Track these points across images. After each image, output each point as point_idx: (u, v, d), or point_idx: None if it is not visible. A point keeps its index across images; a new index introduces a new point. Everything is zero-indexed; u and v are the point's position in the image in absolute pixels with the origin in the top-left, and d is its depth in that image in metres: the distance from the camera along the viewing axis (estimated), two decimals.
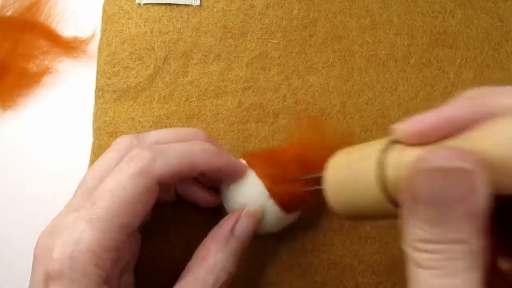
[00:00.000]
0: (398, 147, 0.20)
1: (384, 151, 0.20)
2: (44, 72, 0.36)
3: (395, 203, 0.20)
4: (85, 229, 0.24)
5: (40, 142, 0.36)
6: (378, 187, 0.20)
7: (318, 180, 0.24)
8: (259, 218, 0.29)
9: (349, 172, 0.22)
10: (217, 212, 0.31)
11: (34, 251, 0.26)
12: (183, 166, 0.26)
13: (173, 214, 0.33)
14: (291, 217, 0.30)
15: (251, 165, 0.29)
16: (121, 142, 0.28)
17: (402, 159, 0.19)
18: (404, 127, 0.19)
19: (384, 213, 0.20)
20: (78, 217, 0.25)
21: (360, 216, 0.22)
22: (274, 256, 0.33)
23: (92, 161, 0.35)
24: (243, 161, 0.30)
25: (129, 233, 0.25)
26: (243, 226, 0.28)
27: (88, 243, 0.24)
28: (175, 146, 0.27)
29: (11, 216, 0.35)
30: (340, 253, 0.33)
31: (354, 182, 0.21)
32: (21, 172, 0.36)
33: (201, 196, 0.31)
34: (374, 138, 0.34)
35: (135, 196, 0.25)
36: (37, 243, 0.26)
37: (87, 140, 0.35)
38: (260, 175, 0.29)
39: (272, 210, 0.29)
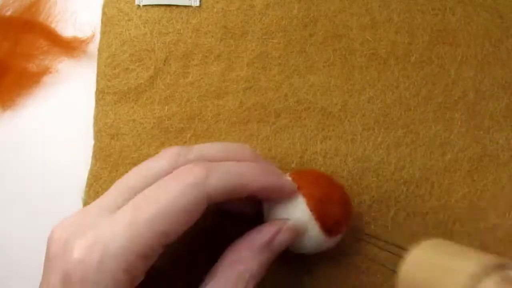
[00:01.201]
0: (496, 279, 0.16)
1: (476, 278, 0.16)
2: (44, 72, 0.36)
3: None
4: (121, 232, 0.22)
5: (40, 143, 0.36)
6: None
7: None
8: (298, 236, 0.28)
9: (429, 282, 0.19)
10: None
11: (49, 247, 0.24)
12: (235, 186, 0.25)
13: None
14: (331, 242, 0.29)
15: (297, 183, 0.29)
16: (171, 151, 0.27)
17: None
18: None
19: None
20: (113, 218, 0.23)
21: None
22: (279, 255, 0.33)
23: (93, 164, 0.35)
24: (288, 178, 0.29)
25: (166, 245, 0.24)
26: (283, 239, 0.27)
27: (122, 247, 0.22)
28: (228, 165, 0.26)
29: (11, 217, 0.35)
30: (344, 252, 0.33)
31: None
32: (20, 174, 0.36)
33: (238, 206, 0.30)
34: (376, 137, 0.34)
35: (183, 207, 0.24)
36: (51, 238, 0.24)
37: (87, 141, 0.35)
38: (306, 195, 0.28)
39: (313, 232, 0.28)
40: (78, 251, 0.22)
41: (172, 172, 0.26)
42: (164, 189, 0.24)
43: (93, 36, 0.36)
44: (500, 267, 0.16)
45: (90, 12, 0.37)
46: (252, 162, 0.28)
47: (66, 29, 0.37)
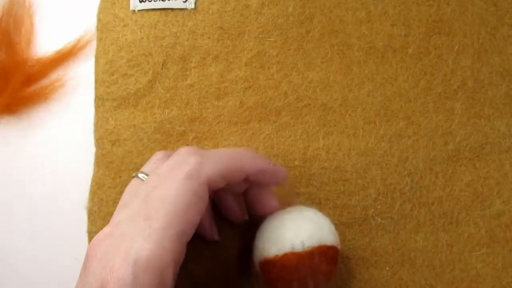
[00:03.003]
0: None
1: None
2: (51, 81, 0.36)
3: None
4: (144, 246, 0.23)
5: (41, 151, 0.36)
6: None
7: None
8: None
9: None
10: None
11: (87, 256, 0.24)
12: (231, 167, 0.26)
13: None
14: None
15: None
16: (185, 151, 0.27)
17: None
18: None
19: None
20: (136, 232, 0.24)
21: None
22: None
23: (96, 171, 0.34)
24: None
25: (186, 242, 0.24)
26: None
27: (149, 260, 0.22)
28: (221, 150, 0.28)
29: (14, 224, 0.35)
30: (352, 246, 0.33)
31: None
32: (24, 181, 0.36)
33: (231, 205, 0.31)
34: (377, 130, 0.34)
35: (187, 202, 0.24)
36: (91, 247, 0.24)
37: (88, 148, 0.35)
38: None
39: None
40: (113, 268, 0.23)
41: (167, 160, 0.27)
42: (164, 189, 0.25)
43: (90, 42, 0.36)
44: None
45: (85, 19, 0.36)
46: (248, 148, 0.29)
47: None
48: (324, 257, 0.28)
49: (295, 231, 0.28)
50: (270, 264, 0.28)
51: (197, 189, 0.25)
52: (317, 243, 0.28)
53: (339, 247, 0.29)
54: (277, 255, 0.28)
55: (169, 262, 0.23)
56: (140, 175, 0.29)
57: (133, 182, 0.29)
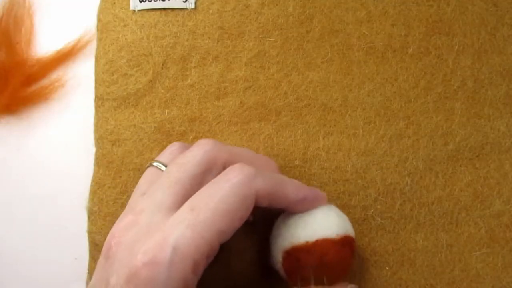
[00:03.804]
0: None
1: None
2: (51, 81, 0.36)
3: None
4: (185, 234, 0.23)
5: (41, 151, 0.36)
6: None
7: None
8: None
9: None
10: None
11: (108, 246, 0.24)
12: (277, 192, 0.26)
13: None
14: None
15: None
16: (205, 142, 0.28)
17: None
18: None
19: None
20: (175, 220, 0.24)
21: None
22: None
23: (96, 171, 0.34)
24: None
25: (221, 243, 0.24)
26: None
27: (188, 249, 0.23)
28: (273, 172, 0.27)
29: (14, 224, 0.35)
30: None
31: None
32: (24, 181, 0.36)
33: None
34: (377, 130, 0.34)
35: (236, 205, 0.24)
36: (112, 235, 0.24)
37: (88, 148, 0.35)
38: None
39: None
40: (145, 254, 0.22)
41: (211, 167, 0.27)
42: (216, 189, 0.25)
43: (90, 42, 0.36)
44: None
45: (85, 19, 0.36)
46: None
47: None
48: (349, 248, 0.29)
49: (325, 219, 0.29)
50: (299, 250, 0.28)
51: (247, 195, 0.25)
52: (345, 233, 0.29)
53: (354, 237, 0.30)
54: (308, 241, 0.28)
55: (204, 255, 0.23)
56: (155, 163, 0.29)
57: (149, 171, 0.29)
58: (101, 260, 0.25)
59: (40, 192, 0.36)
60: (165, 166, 0.29)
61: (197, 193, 0.25)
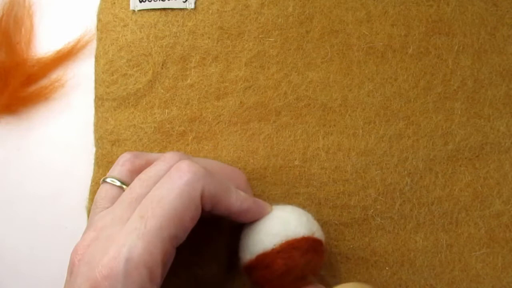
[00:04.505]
0: None
1: None
2: (51, 81, 0.36)
3: None
4: (137, 244, 0.23)
5: (41, 151, 0.36)
6: None
7: None
8: None
9: None
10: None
11: (72, 265, 0.25)
12: (221, 195, 0.26)
13: None
14: None
15: None
16: (170, 156, 0.28)
17: None
18: None
19: None
20: (127, 231, 0.24)
21: None
22: None
23: (95, 171, 0.34)
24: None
25: (176, 246, 0.25)
26: None
27: (141, 258, 0.23)
28: (222, 178, 0.27)
29: (14, 224, 0.35)
30: (351, 246, 0.33)
31: None
32: (24, 181, 0.36)
33: None
34: (377, 130, 0.34)
35: (183, 206, 0.25)
36: (75, 252, 0.25)
37: (88, 148, 0.35)
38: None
39: None
40: (103, 267, 0.23)
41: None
42: (162, 192, 0.25)
43: (90, 42, 0.36)
44: None
45: (85, 19, 0.36)
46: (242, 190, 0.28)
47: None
48: (295, 251, 0.28)
49: (264, 231, 0.28)
50: (247, 268, 0.29)
51: (195, 197, 0.25)
52: (286, 238, 0.28)
53: (314, 235, 0.29)
54: (251, 259, 0.28)
55: (159, 263, 0.23)
56: (108, 179, 0.28)
57: (104, 187, 0.28)
58: (66, 276, 0.25)
59: (40, 192, 0.36)
60: (118, 181, 0.28)
61: (146, 197, 0.25)
